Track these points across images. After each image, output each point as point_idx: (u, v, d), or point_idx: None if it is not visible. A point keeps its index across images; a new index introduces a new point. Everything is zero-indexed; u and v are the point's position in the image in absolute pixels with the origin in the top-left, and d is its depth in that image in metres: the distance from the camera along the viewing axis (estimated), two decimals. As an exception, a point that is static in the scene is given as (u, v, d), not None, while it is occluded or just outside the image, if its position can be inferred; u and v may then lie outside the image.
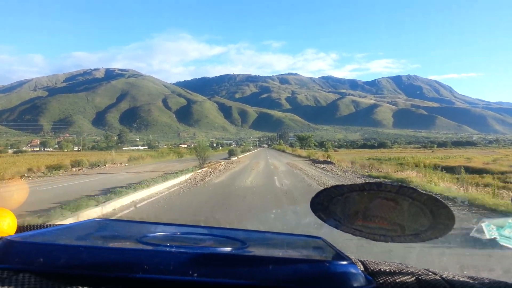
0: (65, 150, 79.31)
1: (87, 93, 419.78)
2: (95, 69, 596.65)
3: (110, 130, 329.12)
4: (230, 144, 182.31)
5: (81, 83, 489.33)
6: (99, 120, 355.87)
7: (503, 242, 0.84)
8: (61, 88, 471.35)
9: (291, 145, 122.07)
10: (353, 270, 0.72)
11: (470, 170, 25.37)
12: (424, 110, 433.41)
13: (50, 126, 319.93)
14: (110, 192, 11.28)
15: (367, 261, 0.89)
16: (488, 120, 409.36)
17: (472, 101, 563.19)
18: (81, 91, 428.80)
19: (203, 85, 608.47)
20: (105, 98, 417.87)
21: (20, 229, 1.02)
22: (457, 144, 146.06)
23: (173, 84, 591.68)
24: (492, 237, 0.85)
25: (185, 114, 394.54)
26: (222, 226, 1.11)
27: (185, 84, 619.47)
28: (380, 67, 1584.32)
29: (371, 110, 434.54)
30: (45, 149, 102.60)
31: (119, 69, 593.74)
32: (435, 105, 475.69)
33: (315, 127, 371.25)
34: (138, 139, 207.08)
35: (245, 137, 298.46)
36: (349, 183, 0.84)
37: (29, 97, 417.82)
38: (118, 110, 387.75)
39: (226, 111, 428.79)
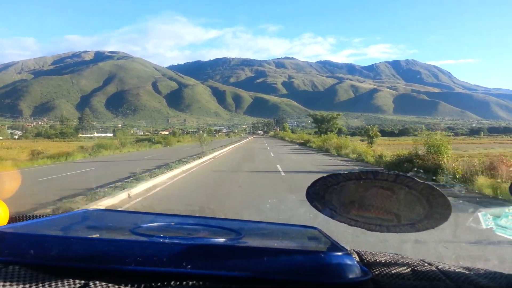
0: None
1: (72, 76, 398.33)
2: (84, 51, 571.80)
3: (95, 115, 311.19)
4: (220, 131, 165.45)
5: (69, 66, 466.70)
6: (84, 104, 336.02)
7: (499, 232, 0.84)
8: (48, 71, 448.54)
9: (292, 131, 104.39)
10: (348, 261, 0.71)
11: None
12: (425, 96, 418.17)
13: (30, 111, 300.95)
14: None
15: (362, 252, 0.89)
16: (491, 106, 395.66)
17: (471, 87, 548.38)
18: (68, 74, 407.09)
19: (196, 69, 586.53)
20: (91, 81, 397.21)
21: (13, 219, 1.00)
22: (494, 131, 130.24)
23: (166, 68, 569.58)
24: (489, 227, 0.85)
25: (176, 99, 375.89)
26: (217, 216, 1.08)
27: (178, 68, 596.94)
28: (377, 52, 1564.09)
29: (371, 95, 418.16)
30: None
31: (110, 52, 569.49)
32: (436, 90, 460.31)
33: (313, 113, 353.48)
34: (120, 125, 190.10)
35: (239, 123, 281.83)
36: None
37: (12, 80, 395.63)
38: (104, 94, 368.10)
39: (219, 96, 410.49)
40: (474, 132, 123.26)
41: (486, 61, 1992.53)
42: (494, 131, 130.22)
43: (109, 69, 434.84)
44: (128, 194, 8.71)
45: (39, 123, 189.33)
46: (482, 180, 9.72)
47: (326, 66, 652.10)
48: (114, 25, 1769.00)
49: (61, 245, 0.68)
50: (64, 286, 0.60)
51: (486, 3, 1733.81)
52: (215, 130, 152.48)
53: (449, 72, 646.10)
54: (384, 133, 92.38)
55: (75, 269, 0.64)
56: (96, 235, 0.81)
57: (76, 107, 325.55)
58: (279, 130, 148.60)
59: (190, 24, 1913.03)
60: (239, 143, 47.42)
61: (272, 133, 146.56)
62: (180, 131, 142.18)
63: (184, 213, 1.13)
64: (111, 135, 70.47)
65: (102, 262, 0.65)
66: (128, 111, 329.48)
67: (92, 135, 71.78)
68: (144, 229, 0.87)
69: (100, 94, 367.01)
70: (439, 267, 0.79)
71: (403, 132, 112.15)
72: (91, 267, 0.65)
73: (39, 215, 1.05)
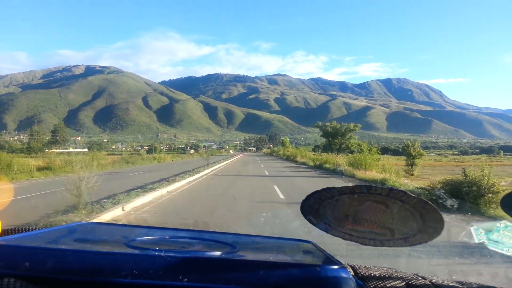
0: None
1: (60, 89, 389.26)
2: (75, 66, 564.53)
3: (82, 130, 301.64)
4: (210, 147, 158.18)
5: (58, 80, 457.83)
6: (71, 119, 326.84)
7: (491, 247, 0.85)
8: (36, 84, 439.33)
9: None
10: (343, 275, 0.71)
11: None
12: (418, 114, 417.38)
13: (15, 125, 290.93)
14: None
15: (357, 266, 0.88)
16: (484, 125, 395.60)
17: (462, 106, 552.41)
18: (56, 88, 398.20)
19: (189, 85, 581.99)
20: (80, 95, 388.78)
21: (5, 232, 0.99)
22: (505, 149, 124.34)
23: (158, 83, 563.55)
24: (481, 241, 0.87)
25: (167, 114, 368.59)
26: (211, 230, 1.08)
27: (170, 83, 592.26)
28: (369, 71, 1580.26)
29: (364, 112, 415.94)
30: None
31: (101, 66, 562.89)
32: (428, 108, 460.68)
33: (305, 129, 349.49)
34: (105, 140, 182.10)
35: (231, 139, 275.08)
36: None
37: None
38: (93, 108, 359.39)
39: (211, 112, 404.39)
40: (485, 151, 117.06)
41: (476, 81, 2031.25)
42: (506, 149, 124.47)
43: (99, 83, 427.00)
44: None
45: (21, 137, 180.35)
46: None
47: (319, 84, 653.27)
48: (107, 41, 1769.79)
49: (56, 257, 0.67)
50: None
51: (474, 24, 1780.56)
52: (204, 146, 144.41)
53: (440, 91, 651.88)
54: (387, 151, 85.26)
55: (70, 282, 0.64)
56: (90, 248, 0.82)
57: (63, 122, 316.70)
58: (273, 146, 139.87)
59: (183, 40, 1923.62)
60: (229, 162, 27.02)
61: (266, 150, 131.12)
62: (167, 146, 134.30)
63: (178, 226, 1.11)
64: (86, 150, 63.57)
65: (97, 275, 0.64)
66: (117, 126, 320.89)
67: (66, 150, 64.68)
68: (139, 242, 0.86)
69: (88, 108, 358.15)
70: (433, 281, 0.80)
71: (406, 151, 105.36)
72: (86, 280, 0.64)
73: (33, 228, 1.05)
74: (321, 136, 51.05)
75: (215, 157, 62.80)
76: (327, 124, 49.14)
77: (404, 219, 0.80)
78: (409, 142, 23.46)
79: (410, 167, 20.15)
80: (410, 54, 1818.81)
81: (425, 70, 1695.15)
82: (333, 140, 44.82)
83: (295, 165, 38.16)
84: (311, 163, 35.47)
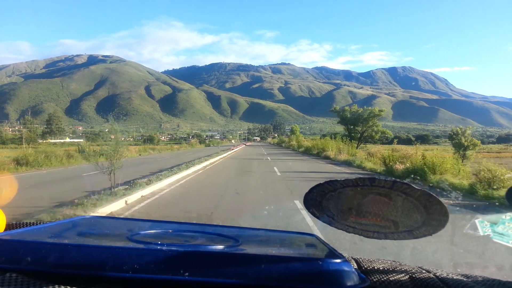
0: None
1: (62, 79, 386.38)
2: (77, 55, 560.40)
3: (84, 120, 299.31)
4: (212, 137, 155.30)
5: (60, 69, 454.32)
6: (73, 108, 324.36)
7: (496, 239, 0.84)
8: (39, 74, 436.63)
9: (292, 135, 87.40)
10: (346, 269, 0.71)
11: None
12: (424, 102, 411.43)
13: (17, 115, 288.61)
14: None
15: (360, 259, 0.88)
16: (491, 114, 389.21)
17: (468, 95, 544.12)
18: (59, 77, 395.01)
19: (192, 74, 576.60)
20: (82, 85, 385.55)
21: (9, 226, 1.00)
22: None
23: (161, 72, 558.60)
24: (486, 233, 0.86)
25: (170, 103, 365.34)
26: (214, 223, 1.08)
27: (173, 73, 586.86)
28: (374, 60, 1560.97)
29: (369, 101, 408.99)
30: None
31: (103, 56, 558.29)
32: (434, 97, 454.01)
33: (310, 119, 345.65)
34: (106, 130, 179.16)
35: (235, 129, 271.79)
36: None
37: (1, 83, 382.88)
38: (95, 98, 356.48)
39: (214, 101, 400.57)
40: (502, 140, 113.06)
41: (482, 69, 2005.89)
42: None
43: (101, 72, 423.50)
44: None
45: (21, 127, 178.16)
46: None
47: (323, 72, 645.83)
48: (109, 30, 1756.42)
49: (59, 252, 0.68)
50: None
51: (480, 12, 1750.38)
52: (206, 136, 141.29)
53: (445, 79, 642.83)
54: (400, 141, 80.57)
55: (73, 276, 0.64)
56: (93, 242, 0.82)
57: (65, 112, 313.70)
58: (278, 135, 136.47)
59: (186, 30, 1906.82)
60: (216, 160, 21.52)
61: (272, 139, 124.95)
62: (169, 136, 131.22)
63: (181, 220, 1.12)
64: (82, 140, 60.20)
65: (100, 269, 0.65)
66: (119, 116, 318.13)
67: (61, 140, 61.33)
68: (141, 236, 0.86)
69: (90, 98, 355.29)
70: (437, 274, 0.79)
71: (421, 139, 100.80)
72: (89, 274, 0.64)
73: (36, 222, 1.05)
74: (338, 123, 45.05)
75: (209, 149, 50.65)
76: (346, 108, 43.85)
77: (408, 212, 0.79)
78: (458, 129, 19.07)
79: (463, 159, 16.35)
80: (415, 42, 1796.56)
81: (430, 59, 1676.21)
82: (354, 128, 39.87)
83: (335, 167, 21.09)
84: (374, 167, 18.70)
